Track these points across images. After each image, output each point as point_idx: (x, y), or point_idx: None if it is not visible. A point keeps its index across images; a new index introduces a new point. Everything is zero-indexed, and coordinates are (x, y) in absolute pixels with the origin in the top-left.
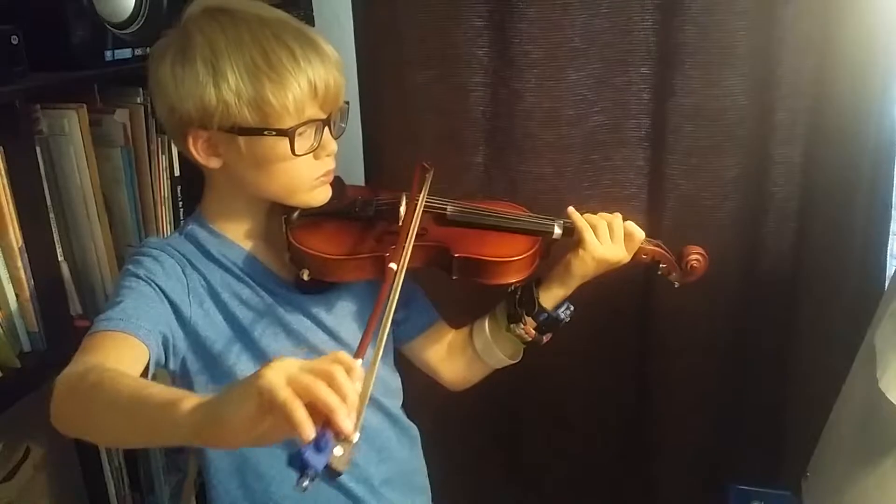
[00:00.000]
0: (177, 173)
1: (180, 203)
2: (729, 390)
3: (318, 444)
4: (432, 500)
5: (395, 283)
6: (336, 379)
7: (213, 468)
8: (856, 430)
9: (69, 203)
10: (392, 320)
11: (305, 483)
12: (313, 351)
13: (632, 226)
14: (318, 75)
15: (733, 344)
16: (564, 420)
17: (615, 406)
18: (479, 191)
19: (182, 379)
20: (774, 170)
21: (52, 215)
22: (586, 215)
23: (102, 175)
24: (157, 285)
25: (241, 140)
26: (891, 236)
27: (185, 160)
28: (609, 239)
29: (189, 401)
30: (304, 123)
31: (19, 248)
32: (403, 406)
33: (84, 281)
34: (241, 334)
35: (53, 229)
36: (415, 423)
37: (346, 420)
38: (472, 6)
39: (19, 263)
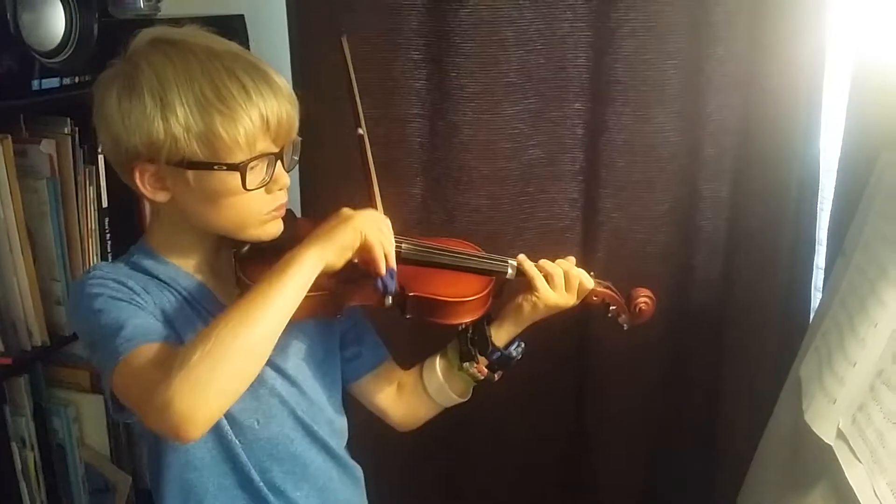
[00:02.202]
0: (105, 205)
1: (108, 236)
2: (662, 418)
3: (390, 273)
4: None
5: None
6: (385, 232)
7: (165, 494)
8: (783, 460)
9: None
10: (343, 358)
11: (389, 300)
12: (262, 385)
13: (583, 274)
14: (271, 109)
15: (664, 376)
16: (504, 455)
17: (553, 439)
18: (417, 222)
19: None
20: (703, 204)
21: None
22: (543, 262)
23: (27, 207)
24: (136, 302)
25: (190, 174)
26: (815, 270)
27: (114, 192)
28: (563, 288)
29: (305, 249)
30: (256, 158)
31: None
32: (348, 446)
33: (6, 317)
34: None
35: None
36: (358, 462)
37: (394, 257)
38: (410, 39)
39: None
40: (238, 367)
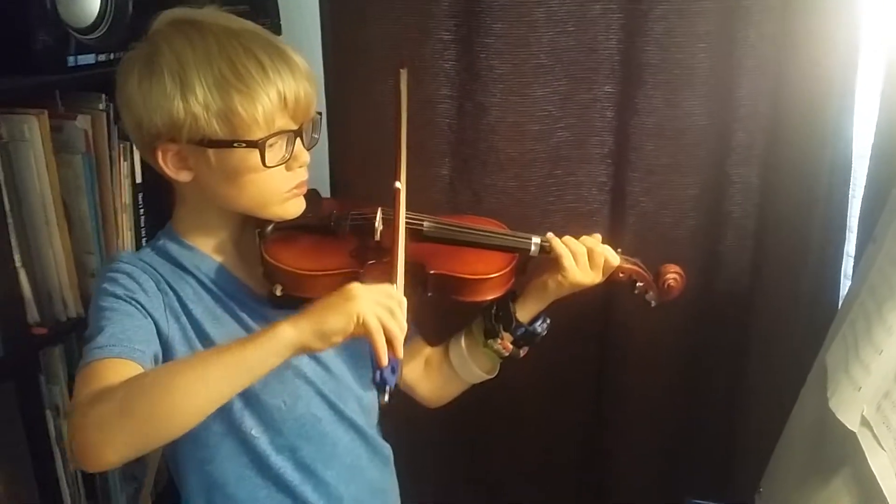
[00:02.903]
0: (139, 180)
1: (141, 210)
2: (684, 404)
3: (393, 367)
4: None
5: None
6: (397, 315)
7: (187, 485)
8: (807, 446)
9: (28, 210)
10: None
11: (387, 398)
12: (287, 367)
13: (609, 251)
14: (288, 87)
15: (689, 359)
16: (522, 432)
17: (572, 419)
18: (444, 203)
19: None
20: (732, 189)
21: (10, 221)
22: (567, 239)
23: (63, 182)
24: (138, 303)
25: (211, 153)
26: (845, 257)
27: (148, 167)
28: (588, 266)
29: (286, 330)
30: (275, 134)
31: None
32: (378, 425)
33: (42, 288)
34: None
35: (11, 235)
36: (388, 442)
37: (401, 347)
38: (441, 20)
39: None
40: (149, 427)
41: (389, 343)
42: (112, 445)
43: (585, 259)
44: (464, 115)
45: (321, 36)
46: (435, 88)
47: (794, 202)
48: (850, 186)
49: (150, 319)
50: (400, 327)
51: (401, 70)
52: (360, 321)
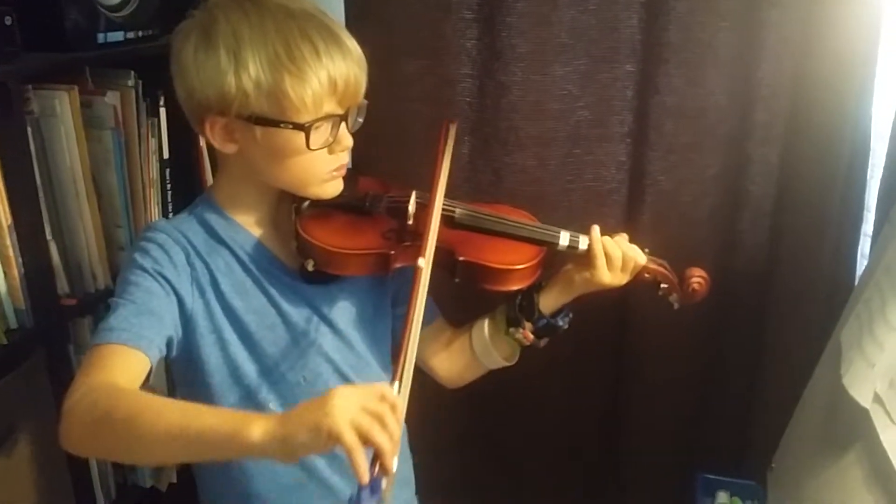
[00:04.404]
0: (166, 156)
1: (168, 186)
2: (699, 383)
3: (373, 487)
4: (416, 491)
5: (424, 277)
6: (387, 424)
7: (203, 465)
8: (820, 423)
9: (59, 183)
10: (394, 315)
11: None
12: (311, 344)
13: (637, 253)
14: (339, 71)
15: (705, 338)
16: (541, 410)
17: (590, 395)
18: (464, 181)
19: (180, 363)
20: (752, 169)
21: (41, 195)
22: (604, 240)
23: (92, 156)
24: (163, 277)
25: (258, 130)
26: (862, 237)
27: (175, 144)
28: (619, 269)
29: (255, 429)
30: (321, 119)
31: (8, 227)
32: None
33: (72, 260)
34: (238, 326)
35: (42, 208)
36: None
37: (393, 460)
38: None
39: (8, 241)
40: (116, 454)
41: (377, 456)
42: (86, 448)
43: (619, 263)
44: (485, 95)
45: (345, 12)
46: (456, 67)
47: (813, 182)
48: (869, 167)
49: (172, 296)
50: (390, 438)
51: (450, 125)
52: (334, 436)
